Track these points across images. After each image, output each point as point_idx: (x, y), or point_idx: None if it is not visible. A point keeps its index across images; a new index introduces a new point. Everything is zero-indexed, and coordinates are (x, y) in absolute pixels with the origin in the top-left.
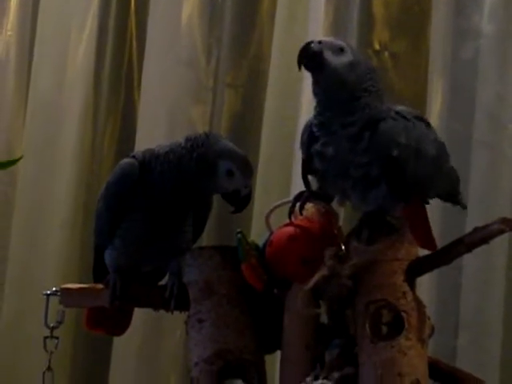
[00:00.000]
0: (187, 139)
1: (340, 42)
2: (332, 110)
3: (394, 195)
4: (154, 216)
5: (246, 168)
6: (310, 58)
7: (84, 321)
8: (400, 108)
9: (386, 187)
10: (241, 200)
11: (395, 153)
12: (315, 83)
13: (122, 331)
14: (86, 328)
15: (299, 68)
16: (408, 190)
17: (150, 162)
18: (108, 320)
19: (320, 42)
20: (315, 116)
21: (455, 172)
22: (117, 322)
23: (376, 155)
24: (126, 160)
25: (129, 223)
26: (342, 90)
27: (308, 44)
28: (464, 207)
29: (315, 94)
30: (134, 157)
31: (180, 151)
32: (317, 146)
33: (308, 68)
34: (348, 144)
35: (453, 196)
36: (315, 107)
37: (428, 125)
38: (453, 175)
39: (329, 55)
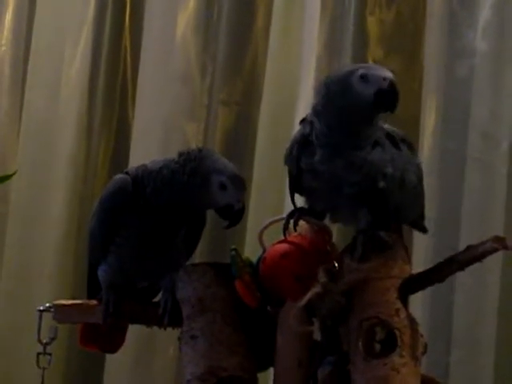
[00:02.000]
0: (180, 154)
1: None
2: (345, 133)
3: (376, 221)
4: (147, 232)
5: (239, 182)
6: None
7: (78, 338)
8: (390, 129)
9: (369, 216)
10: (234, 215)
11: (381, 184)
12: (339, 110)
13: (115, 348)
14: (80, 345)
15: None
16: (389, 218)
17: (143, 178)
18: (102, 337)
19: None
20: (320, 136)
21: (423, 193)
22: (111, 340)
23: (364, 180)
24: (119, 176)
25: (122, 239)
26: (369, 120)
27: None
28: (425, 231)
29: (327, 119)
30: (127, 173)
31: (173, 166)
32: (310, 163)
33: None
34: (342, 162)
35: (420, 220)
36: (319, 127)
37: (411, 147)
38: (423, 198)
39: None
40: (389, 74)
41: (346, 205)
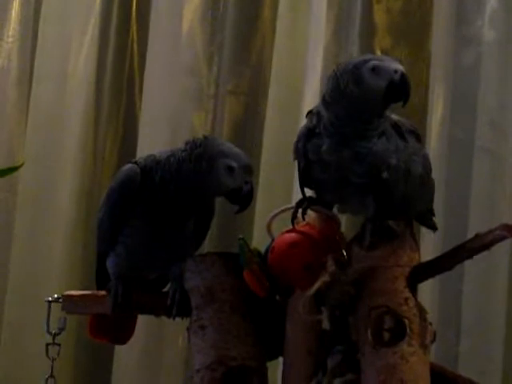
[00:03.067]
0: (186, 143)
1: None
2: (353, 124)
3: (381, 212)
4: (155, 222)
5: (246, 164)
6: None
7: (87, 328)
8: (397, 119)
9: (374, 204)
10: (243, 198)
11: (385, 175)
12: (349, 101)
13: (125, 340)
14: (90, 336)
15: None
16: (394, 208)
17: (152, 168)
18: (111, 328)
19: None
20: (327, 126)
21: (434, 187)
22: (120, 331)
23: (369, 171)
24: (127, 166)
25: (131, 229)
26: (379, 111)
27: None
28: (435, 229)
29: (336, 109)
30: (135, 163)
31: (180, 155)
32: (317, 153)
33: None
34: (349, 152)
35: (429, 215)
36: (327, 117)
37: (418, 138)
38: (432, 191)
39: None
40: (400, 67)
41: (354, 195)
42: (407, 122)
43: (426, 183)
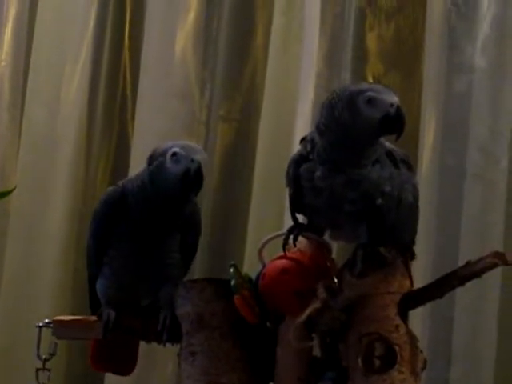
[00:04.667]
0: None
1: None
2: (347, 152)
3: (372, 239)
4: (138, 241)
5: (188, 146)
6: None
7: (89, 359)
8: (391, 147)
9: (367, 232)
10: (194, 176)
11: (379, 201)
12: (343, 130)
13: (129, 370)
14: (93, 368)
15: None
16: (384, 236)
17: (127, 189)
18: (113, 358)
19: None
20: (321, 153)
21: (418, 216)
22: (123, 361)
23: (362, 197)
24: (110, 188)
25: (115, 251)
26: (369, 142)
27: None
28: (413, 257)
29: (329, 137)
30: (117, 185)
31: (143, 170)
32: (310, 180)
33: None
34: (342, 179)
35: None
36: (321, 144)
37: (410, 167)
38: (417, 220)
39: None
40: (396, 100)
41: (347, 222)
42: (400, 151)
43: (414, 212)
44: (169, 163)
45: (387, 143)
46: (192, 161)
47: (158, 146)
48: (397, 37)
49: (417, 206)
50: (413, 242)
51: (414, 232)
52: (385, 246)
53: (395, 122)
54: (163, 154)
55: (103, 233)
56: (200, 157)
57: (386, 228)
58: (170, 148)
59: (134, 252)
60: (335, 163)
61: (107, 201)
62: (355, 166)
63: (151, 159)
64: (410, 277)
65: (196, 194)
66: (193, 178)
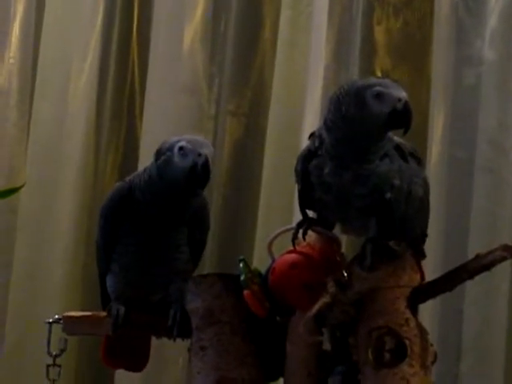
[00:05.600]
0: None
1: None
2: (354, 147)
3: (382, 233)
4: (145, 236)
5: (196, 140)
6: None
7: (101, 356)
8: (399, 141)
9: (376, 225)
10: (201, 170)
11: (388, 195)
12: (350, 125)
13: (141, 367)
14: (104, 364)
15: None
16: (394, 230)
17: (135, 184)
18: (125, 355)
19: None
20: (329, 148)
21: (428, 210)
22: (134, 357)
23: (371, 192)
24: (117, 183)
25: (123, 247)
26: (377, 137)
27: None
28: (423, 256)
29: (337, 133)
30: (124, 181)
31: (151, 164)
32: (320, 176)
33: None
34: (350, 174)
35: (421, 241)
36: (329, 140)
37: (419, 162)
38: (428, 215)
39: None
40: (403, 94)
41: (356, 217)
42: (408, 145)
43: (424, 206)
44: (176, 157)
45: (395, 137)
46: (199, 155)
47: (165, 141)
48: (405, 30)
49: (427, 200)
50: (424, 235)
51: (424, 225)
52: (395, 239)
53: (403, 117)
54: (170, 148)
55: (111, 229)
56: (207, 151)
57: (396, 221)
58: (177, 142)
59: (142, 247)
60: (343, 159)
61: (114, 197)
62: (363, 161)
63: (158, 154)
64: (421, 270)
65: (203, 188)
66: (200, 172)
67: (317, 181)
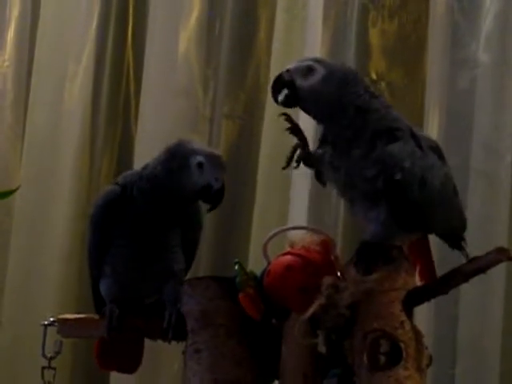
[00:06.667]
0: (161, 151)
1: (307, 62)
2: (334, 127)
3: (394, 220)
4: (139, 238)
5: (217, 161)
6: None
7: (94, 358)
8: (419, 133)
9: (386, 210)
10: (214, 195)
11: (398, 176)
12: (305, 111)
13: (134, 368)
14: (98, 366)
15: (276, 100)
16: (409, 217)
17: (131, 182)
18: (118, 357)
19: (288, 71)
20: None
21: (463, 214)
22: (128, 359)
23: (381, 173)
24: (108, 187)
25: (116, 249)
26: (327, 105)
27: (279, 76)
28: (466, 256)
29: (314, 118)
30: (116, 183)
31: (154, 162)
32: (326, 158)
33: (286, 105)
34: (358, 151)
35: (456, 239)
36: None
37: (442, 158)
38: (461, 216)
39: (300, 81)
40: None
41: (360, 202)
42: (430, 139)
43: (445, 202)
44: (193, 169)
45: (415, 128)
46: (216, 179)
47: (180, 142)
48: (400, 33)
49: (450, 197)
50: (460, 238)
51: (451, 222)
52: (411, 229)
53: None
54: (186, 156)
55: (102, 234)
56: (223, 173)
57: (410, 207)
58: (195, 153)
59: (136, 248)
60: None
61: (104, 202)
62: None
63: (172, 156)
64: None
65: (213, 209)
66: (214, 195)
67: (325, 162)
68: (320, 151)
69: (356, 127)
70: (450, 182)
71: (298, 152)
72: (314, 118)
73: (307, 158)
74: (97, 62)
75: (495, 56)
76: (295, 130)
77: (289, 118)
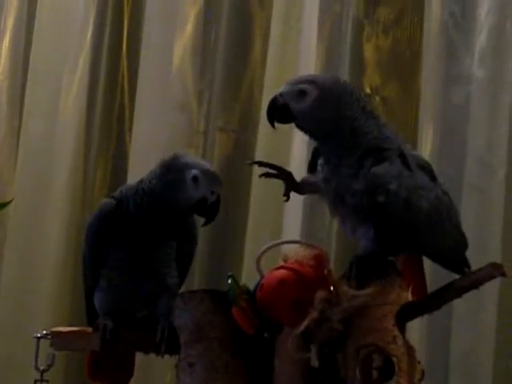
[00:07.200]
0: (157, 164)
1: (298, 86)
2: (328, 145)
3: (380, 241)
4: (134, 251)
5: (212, 175)
6: (278, 113)
7: (86, 370)
8: (411, 152)
9: (373, 230)
10: (209, 208)
11: (381, 199)
12: (300, 129)
13: (125, 381)
14: (88, 378)
15: (272, 125)
16: (394, 238)
17: (127, 196)
18: (110, 369)
19: (281, 95)
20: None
21: (464, 237)
22: (119, 372)
23: (366, 193)
24: (103, 200)
25: (112, 262)
26: (321, 126)
27: (274, 100)
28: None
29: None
30: (112, 197)
31: (150, 175)
32: (321, 174)
33: (282, 122)
34: (347, 169)
35: (457, 262)
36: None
37: (434, 179)
38: (457, 238)
39: (293, 104)
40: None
41: (350, 217)
42: (421, 159)
43: (435, 224)
44: (189, 183)
45: (407, 145)
46: (212, 192)
47: (176, 156)
48: (394, 48)
49: (442, 218)
50: (463, 262)
51: (443, 243)
52: (395, 252)
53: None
54: (181, 170)
55: (98, 247)
56: (219, 187)
57: (395, 229)
58: (190, 167)
59: (131, 262)
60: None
61: (101, 214)
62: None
63: (167, 170)
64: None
65: (208, 223)
66: (209, 208)
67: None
68: (313, 177)
69: (349, 146)
70: (442, 204)
71: (284, 187)
72: (309, 136)
73: (298, 188)
74: (91, 74)
75: (489, 71)
76: (271, 174)
77: (262, 164)
